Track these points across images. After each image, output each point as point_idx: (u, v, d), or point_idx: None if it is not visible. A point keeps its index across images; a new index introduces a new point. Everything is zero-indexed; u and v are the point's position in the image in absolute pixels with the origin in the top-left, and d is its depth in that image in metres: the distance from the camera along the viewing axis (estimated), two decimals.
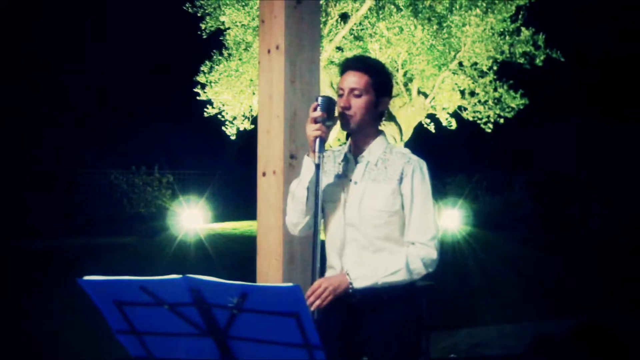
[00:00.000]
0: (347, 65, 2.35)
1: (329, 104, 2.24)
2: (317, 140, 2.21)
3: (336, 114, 2.29)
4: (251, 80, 10.90)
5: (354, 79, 2.29)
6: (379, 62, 2.44)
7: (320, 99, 2.23)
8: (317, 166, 2.21)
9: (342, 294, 2.21)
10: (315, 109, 2.23)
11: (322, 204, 2.36)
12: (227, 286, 1.50)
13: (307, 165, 2.27)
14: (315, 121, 2.22)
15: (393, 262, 2.24)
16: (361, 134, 2.34)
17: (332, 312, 2.24)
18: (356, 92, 2.28)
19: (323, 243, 2.26)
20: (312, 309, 2.16)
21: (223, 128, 11.50)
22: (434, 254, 2.27)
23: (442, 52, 10.72)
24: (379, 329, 2.29)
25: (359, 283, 2.21)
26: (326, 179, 2.36)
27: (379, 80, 2.31)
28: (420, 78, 11.04)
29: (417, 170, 2.28)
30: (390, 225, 2.29)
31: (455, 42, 10.72)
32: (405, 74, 11.35)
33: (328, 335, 2.29)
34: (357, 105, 2.29)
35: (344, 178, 2.35)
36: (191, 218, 12.05)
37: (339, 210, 2.34)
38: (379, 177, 2.30)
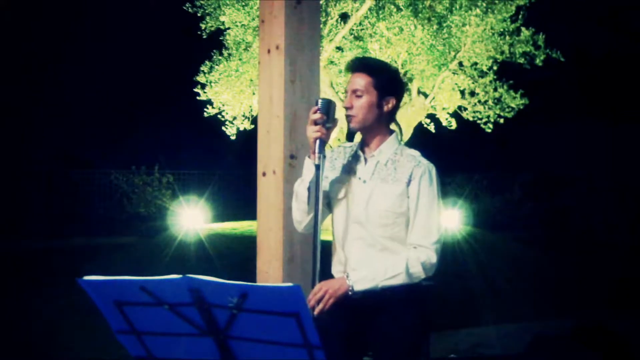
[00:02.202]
0: (349, 68, 2.41)
1: (328, 106, 2.28)
2: (317, 142, 2.25)
3: (337, 115, 2.32)
4: (251, 80, 10.88)
5: (355, 80, 2.35)
6: (381, 62, 2.49)
7: (319, 101, 2.28)
8: (317, 167, 2.25)
9: (343, 296, 2.24)
10: (315, 112, 2.26)
11: (329, 200, 2.41)
12: (227, 286, 1.50)
13: (308, 166, 2.31)
14: (315, 123, 2.26)
15: (393, 266, 2.26)
16: (368, 133, 2.39)
17: (335, 313, 2.25)
18: (358, 93, 2.34)
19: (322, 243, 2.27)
20: (315, 313, 2.20)
21: (223, 128, 11.49)
22: (434, 258, 2.30)
23: (442, 52, 10.70)
24: (382, 329, 2.31)
25: (358, 286, 2.24)
26: (333, 175, 2.41)
27: (381, 80, 2.35)
28: (420, 78, 11.02)
29: (426, 174, 2.31)
30: (396, 226, 2.32)
31: (455, 42, 10.71)
32: (405, 74, 11.33)
33: (332, 336, 2.31)
34: (358, 105, 2.33)
35: (352, 175, 2.39)
36: (191, 218, 12.00)
37: (344, 207, 2.37)
38: (388, 178, 2.33)
